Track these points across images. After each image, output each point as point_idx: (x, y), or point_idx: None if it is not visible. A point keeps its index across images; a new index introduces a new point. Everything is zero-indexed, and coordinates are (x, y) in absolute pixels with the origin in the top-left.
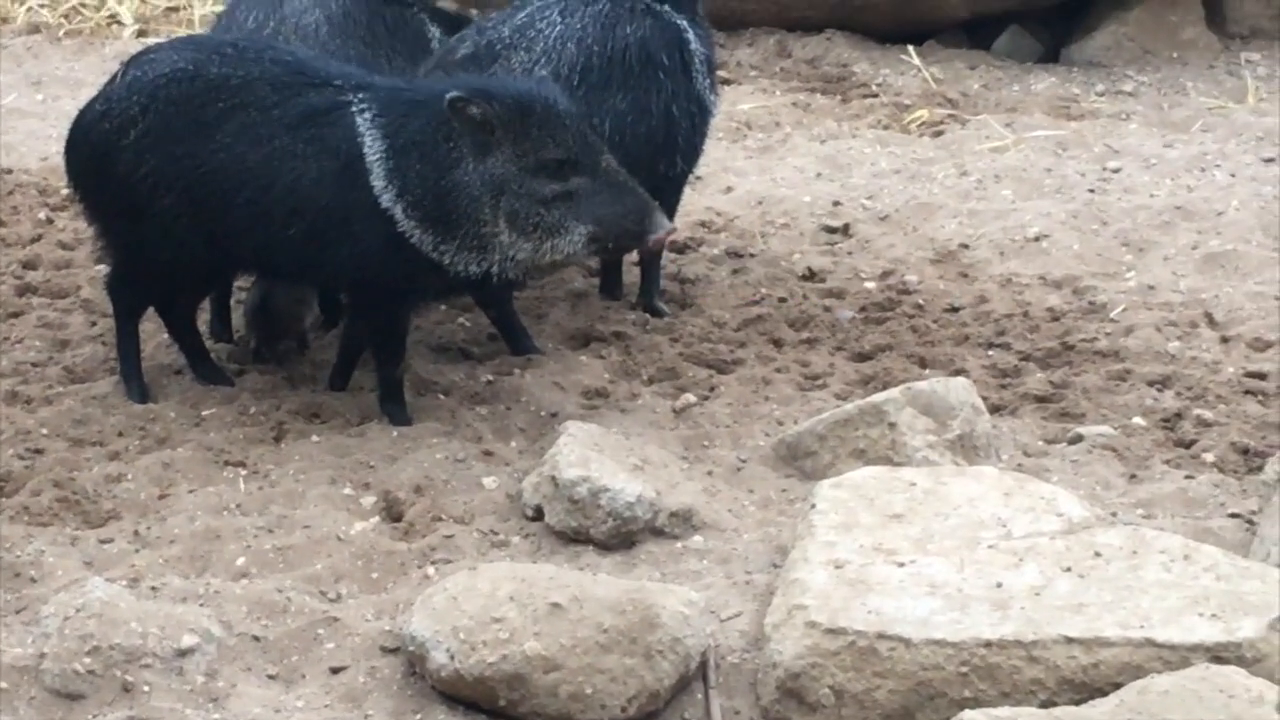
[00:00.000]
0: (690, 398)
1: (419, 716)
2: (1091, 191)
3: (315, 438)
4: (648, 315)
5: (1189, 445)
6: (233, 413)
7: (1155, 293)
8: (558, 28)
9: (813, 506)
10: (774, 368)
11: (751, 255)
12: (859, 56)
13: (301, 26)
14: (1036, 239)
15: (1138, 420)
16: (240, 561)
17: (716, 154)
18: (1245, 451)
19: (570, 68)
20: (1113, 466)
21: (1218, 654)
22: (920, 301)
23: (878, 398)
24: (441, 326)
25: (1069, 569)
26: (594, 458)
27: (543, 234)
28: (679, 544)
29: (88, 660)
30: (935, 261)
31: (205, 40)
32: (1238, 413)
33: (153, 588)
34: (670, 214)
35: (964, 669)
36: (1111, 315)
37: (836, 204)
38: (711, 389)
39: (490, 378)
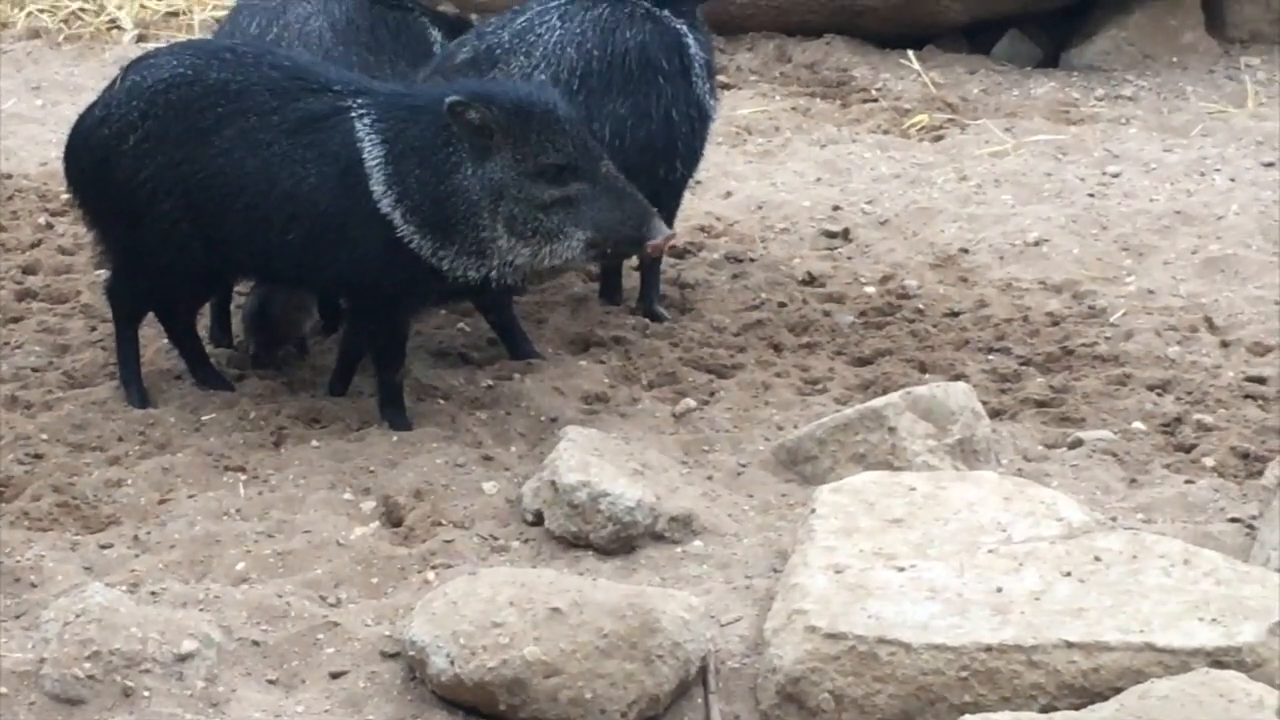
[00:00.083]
0: (690, 402)
1: None
2: (1091, 196)
3: (315, 443)
4: (647, 320)
5: (1189, 450)
6: (232, 418)
7: (1155, 297)
8: (557, 32)
9: (812, 511)
10: (774, 372)
11: (751, 260)
12: (859, 61)
13: (305, 33)
14: (1036, 243)
15: (1138, 425)
16: (240, 566)
17: (716, 159)
18: (1245, 456)
19: (570, 72)
20: (1113, 471)
21: (1218, 659)
22: (920, 306)
23: (877, 402)
24: (441, 331)
25: (1069, 574)
26: (594, 462)
27: (541, 239)
28: (679, 549)
29: (88, 665)
30: (935, 266)
31: (205, 45)
32: (1238, 417)
33: (152, 593)
34: (670, 219)
35: (964, 674)
36: (1111, 320)
37: (836, 209)
38: (711, 394)
39: (490, 382)
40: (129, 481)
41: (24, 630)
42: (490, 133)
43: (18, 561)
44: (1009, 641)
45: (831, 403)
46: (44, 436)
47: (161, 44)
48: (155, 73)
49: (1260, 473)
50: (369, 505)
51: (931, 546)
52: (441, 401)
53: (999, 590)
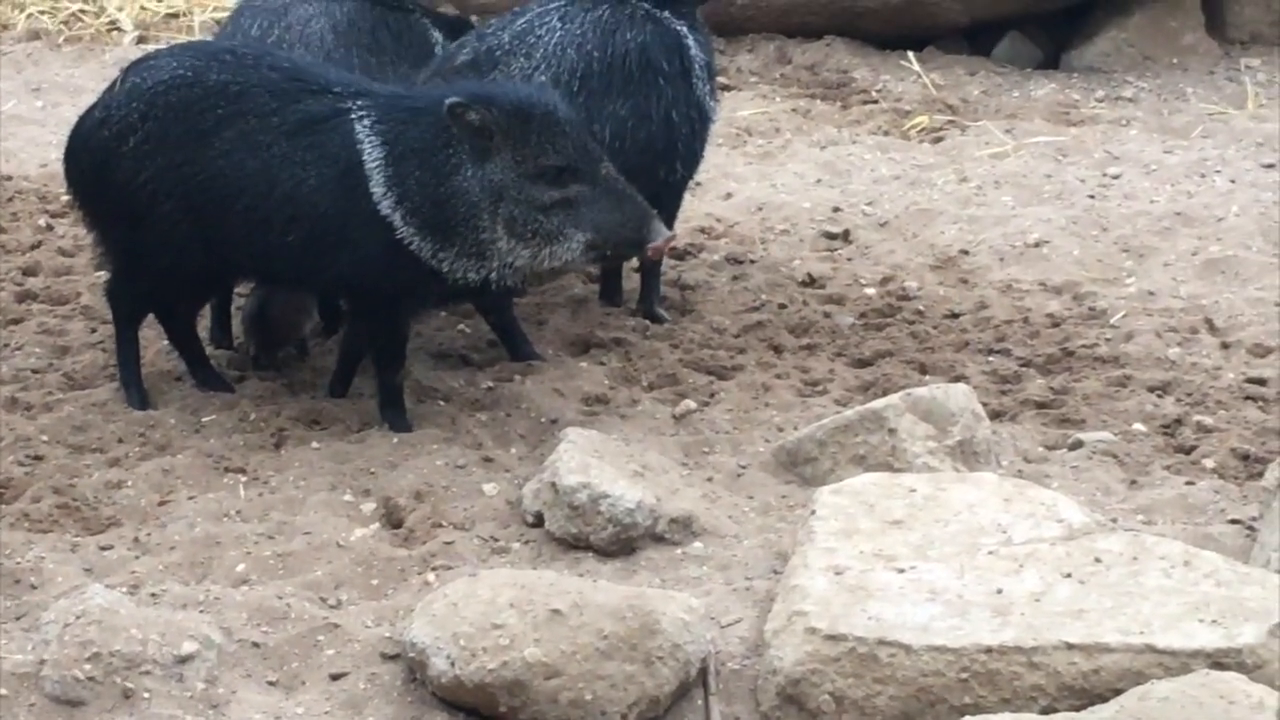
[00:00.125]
0: (690, 404)
1: None
2: (1091, 197)
3: (315, 444)
4: (648, 321)
5: (1189, 451)
6: (233, 419)
7: (1155, 299)
8: (557, 34)
9: (813, 513)
10: (774, 374)
11: (751, 261)
12: (859, 63)
13: (306, 35)
14: (1036, 245)
15: (1138, 426)
16: (240, 568)
17: (716, 160)
18: (1245, 457)
19: (570, 74)
20: (1113, 472)
21: (1218, 660)
22: (920, 307)
23: (878, 404)
24: (441, 333)
25: (1069, 575)
26: (594, 464)
27: (541, 241)
28: (679, 550)
29: (88, 667)
30: (935, 267)
31: (204, 47)
32: (1238, 419)
33: (153, 594)
34: (670, 220)
35: (964, 675)
36: (1112, 321)
37: (836, 210)
38: (711, 395)
39: (490, 384)
40: (129, 483)
41: (24, 632)
42: (490, 134)
43: (18, 563)
44: (1009, 643)
45: (832, 404)
46: (44, 438)
47: (162, 46)
48: (155, 74)
49: (1260, 474)
50: (369, 507)
51: (932, 548)
52: (442, 403)
53: (999, 592)
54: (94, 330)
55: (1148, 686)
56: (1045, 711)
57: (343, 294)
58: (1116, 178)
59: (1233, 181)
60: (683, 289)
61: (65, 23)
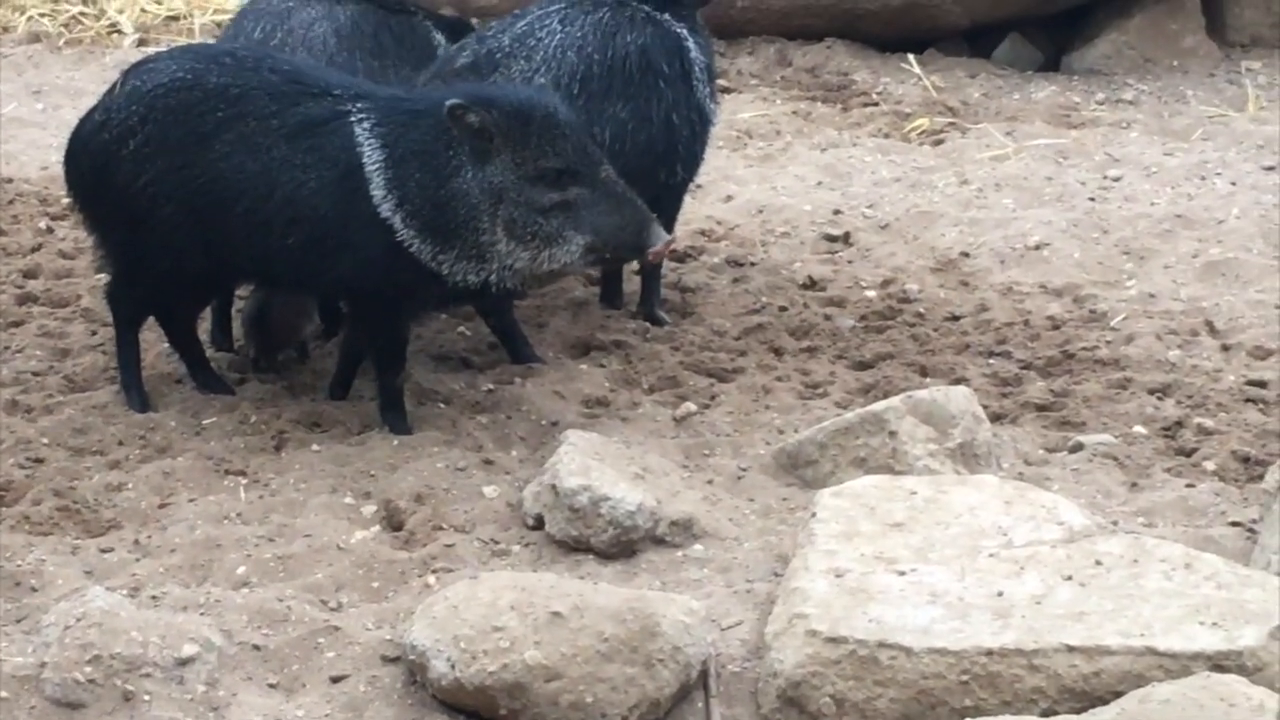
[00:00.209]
0: (691, 406)
1: None
2: (1092, 200)
3: (316, 447)
4: (648, 324)
5: (1190, 454)
6: (233, 422)
7: (1156, 301)
8: (558, 36)
9: (813, 515)
10: (774, 376)
11: (752, 264)
12: (859, 65)
13: (309, 38)
14: (1037, 247)
15: (1138, 429)
16: (241, 570)
17: (717, 162)
18: (1246, 460)
19: (570, 76)
20: (1113, 475)
21: (1219, 662)
22: (921, 310)
23: (878, 406)
24: (442, 335)
25: (1070, 577)
26: (595, 466)
27: (540, 243)
28: (680, 553)
29: (88, 669)
30: (936, 270)
31: (204, 50)
32: (1238, 421)
33: (153, 597)
34: (670, 223)
35: (965, 678)
36: (1112, 324)
37: (837, 212)
38: (712, 398)
39: (491, 386)
40: (129, 485)
41: (24, 634)
42: (490, 136)
43: (18, 566)
44: (1010, 645)
45: (832, 407)
46: (44, 440)
47: (162, 48)
48: (155, 77)
49: (1261, 476)
50: (370, 509)
51: (932, 550)
52: (442, 405)
53: (1000, 594)
54: (94, 333)
55: (1148, 689)
56: (1046, 714)
57: (343, 296)
58: (1117, 180)
59: (1233, 184)
60: (683, 291)
61: (66, 25)
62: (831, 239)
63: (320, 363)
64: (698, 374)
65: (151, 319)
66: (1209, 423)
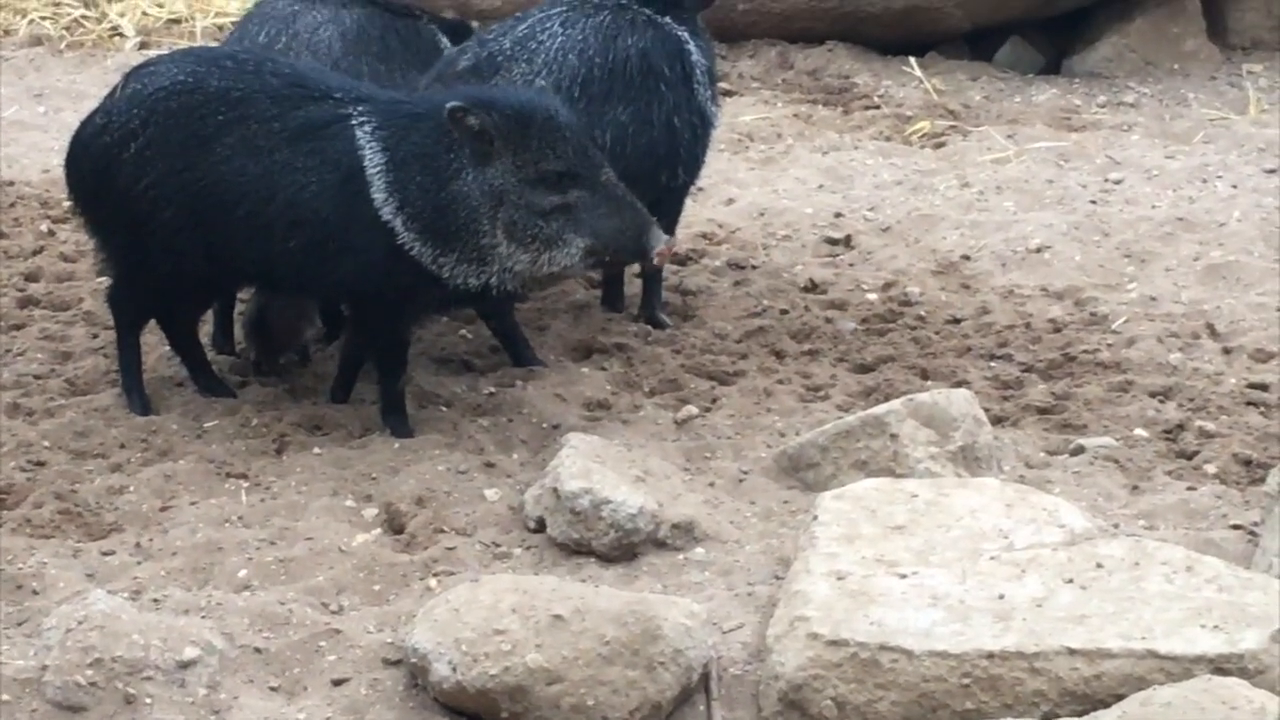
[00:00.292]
0: (692, 409)
1: None
2: (1093, 203)
3: (317, 450)
4: (649, 327)
5: (1191, 456)
6: (234, 425)
7: (1157, 304)
8: (559, 39)
9: (814, 518)
10: (776, 379)
11: (753, 267)
12: (860, 68)
13: (314, 42)
14: (1038, 250)
15: (1139, 432)
16: (242, 573)
17: (718, 166)
18: (1247, 463)
19: (571, 79)
20: (1115, 478)
21: (1220, 665)
22: (922, 313)
23: (879, 409)
24: (443, 338)
25: (1071, 580)
26: (596, 469)
27: (541, 246)
28: (681, 556)
29: (89, 672)
30: (937, 273)
31: (205, 53)
32: (1239, 424)
33: (154, 600)
34: (671, 225)
35: (966, 680)
36: (1113, 326)
37: (838, 215)
38: (713, 400)
39: (492, 390)
40: (131, 488)
41: (26, 637)
42: (490, 139)
43: (20, 569)
44: (1011, 648)
45: (833, 410)
46: (46, 444)
47: (163, 51)
48: (156, 80)
49: (1262, 479)
50: (371, 512)
51: (933, 553)
52: (443, 409)
53: (1001, 597)
54: (96, 336)
55: (1150, 692)
56: (1047, 717)
57: (344, 299)
58: (1118, 183)
59: (1234, 187)
60: (684, 294)
61: (67, 28)
62: (833, 242)
63: (321, 366)
64: (699, 377)
65: (153, 322)
66: (1210, 426)
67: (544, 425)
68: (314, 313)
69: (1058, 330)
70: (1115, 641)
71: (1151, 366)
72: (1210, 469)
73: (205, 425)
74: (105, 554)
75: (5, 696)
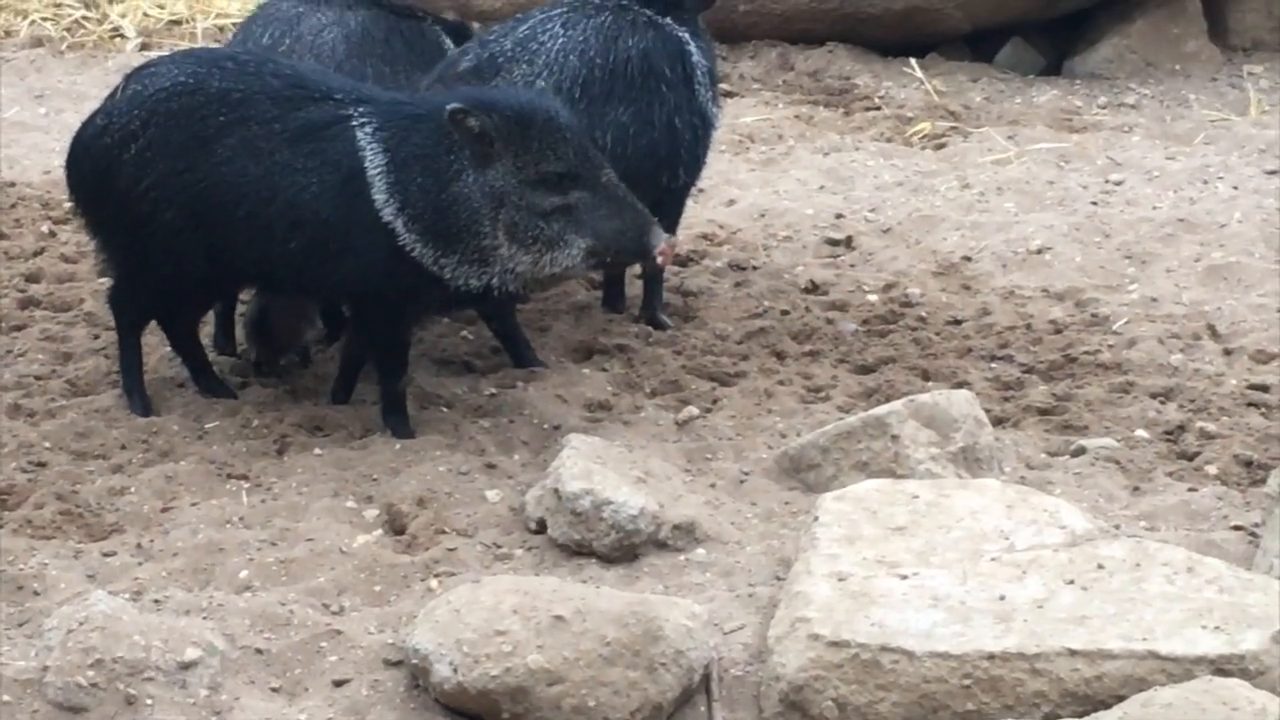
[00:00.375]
0: (693, 410)
1: None
2: (1094, 204)
3: (318, 451)
4: (650, 328)
5: (1192, 458)
6: (235, 426)
7: (1158, 305)
8: (560, 40)
9: (815, 519)
10: (776, 380)
11: (754, 268)
12: (861, 69)
13: (318, 45)
14: (1039, 251)
15: (1140, 433)
16: (243, 574)
17: (719, 167)
18: (1248, 464)
19: (572, 80)
20: (1115, 479)
21: (1221, 666)
22: (923, 314)
23: (880, 410)
24: (444, 339)
25: (1072, 581)
26: (597, 470)
27: (542, 247)
28: (682, 557)
29: (90, 673)
30: (938, 274)
31: (206, 54)
32: (1240, 425)
33: (155, 600)
34: (672, 226)
35: (967, 681)
36: (1114, 328)
37: (839, 216)
38: (714, 401)
39: (493, 390)
40: (132, 489)
41: (27, 638)
42: (491, 140)
43: (21, 570)
44: (1012, 649)
45: (834, 411)
46: (47, 444)
47: (164, 52)
48: (157, 81)
49: (1263, 480)
50: (372, 513)
51: (934, 554)
52: (444, 409)
53: (1002, 598)
54: (97, 337)
55: (1151, 693)
56: (1048, 718)
57: (345, 300)
58: (1119, 184)
59: (1235, 188)
60: (685, 295)
61: (68, 29)
62: (833, 243)
63: (322, 367)
64: (700, 378)
65: (154, 323)
66: (1211, 426)
67: (545, 426)
68: (315, 314)
69: (1058, 331)
70: (1116, 642)
71: (1152, 367)
72: (1211, 470)
73: (206, 426)
74: (106, 555)
75: (6, 697)
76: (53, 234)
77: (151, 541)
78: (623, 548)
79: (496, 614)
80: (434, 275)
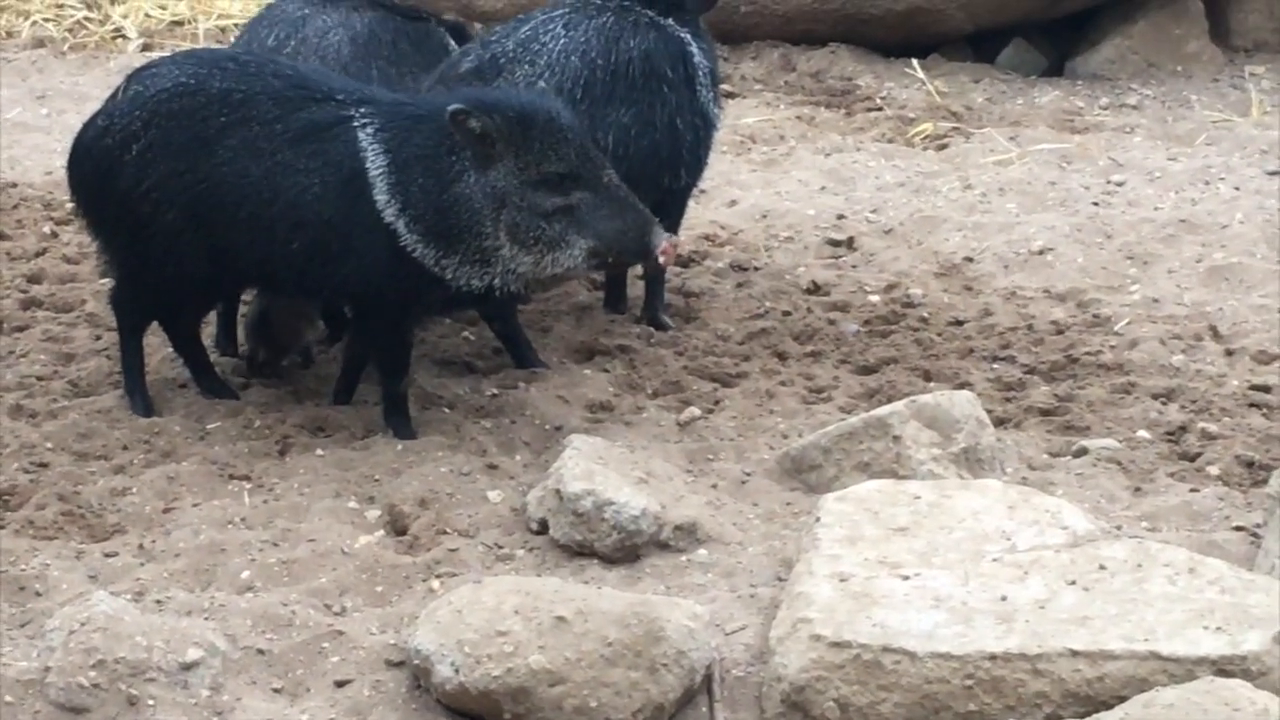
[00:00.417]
0: (695, 411)
1: None
2: (1096, 204)
3: (320, 451)
4: (652, 329)
5: (1193, 458)
6: (237, 426)
7: (1159, 306)
8: (561, 41)
9: (817, 520)
10: (778, 381)
11: (756, 269)
12: (863, 70)
13: (323, 46)
14: (1041, 252)
15: (1142, 433)
16: (245, 575)
17: (721, 167)
18: (1249, 464)
19: (574, 81)
20: (1117, 479)
21: (1222, 667)
22: (924, 315)
23: (882, 411)
24: (446, 340)
25: (1074, 582)
26: (598, 471)
27: (543, 247)
28: (683, 557)
29: (92, 674)
30: (939, 275)
31: (208, 54)
32: (1242, 426)
33: (157, 601)
34: (674, 227)
35: (969, 682)
36: (1116, 328)
37: (841, 217)
38: (716, 402)
39: (495, 391)
40: (134, 490)
41: (29, 639)
42: (492, 141)
43: (23, 570)
44: (1014, 650)
45: (836, 411)
46: (49, 445)
47: (166, 53)
48: (158, 82)
49: (1265, 481)
50: (374, 514)
51: (936, 555)
52: (446, 410)
53: (1004, 599)
54: (99, 337)
55: (1152, 694)
56: (1050, 719)
57: (347, 301)
58: (1121, 185)
59: (1237, 189)
60: (687, 296)
61: (70, 30)
62: (835, 244)
63: (324, 367)
64: (701, 379)
65: (155, 324)
66: (1213, 427)
67: (547, 427)
68: (316, 314)
69: (1060, 332)
70: (1118, 643)
71: (1154, 368)
72: (1213, 471)
73: (208, 427)
74: (108, 555)
75: (8, 698)
76: (55, 235)
77: (153, 542)
78: (624, 548)
79: (498, 614)
80: (435, 276)
